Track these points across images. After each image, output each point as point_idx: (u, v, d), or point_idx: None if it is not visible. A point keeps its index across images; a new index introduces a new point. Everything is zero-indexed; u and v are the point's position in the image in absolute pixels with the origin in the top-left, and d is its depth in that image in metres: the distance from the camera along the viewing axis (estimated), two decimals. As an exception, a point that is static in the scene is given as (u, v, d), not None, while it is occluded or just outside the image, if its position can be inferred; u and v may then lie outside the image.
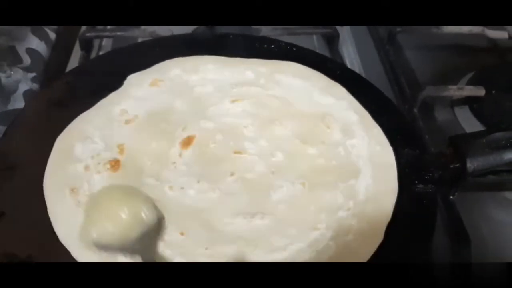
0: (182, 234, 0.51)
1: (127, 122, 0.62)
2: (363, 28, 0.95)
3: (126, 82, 0.67)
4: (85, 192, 0.54)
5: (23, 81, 0.78)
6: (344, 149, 0.60)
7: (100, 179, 0.55)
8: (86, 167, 0.56)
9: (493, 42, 0.90)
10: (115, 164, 0.57)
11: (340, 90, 0.68)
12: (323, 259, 0.50)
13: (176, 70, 0.69)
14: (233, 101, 0.65)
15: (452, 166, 0.56)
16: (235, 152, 0.59)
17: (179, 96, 0.66)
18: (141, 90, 0.66)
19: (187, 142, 0.60)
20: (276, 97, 0.66)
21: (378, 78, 0.80)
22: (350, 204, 0.55)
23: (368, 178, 0.57)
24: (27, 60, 0.81)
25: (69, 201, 0.53)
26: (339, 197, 0.55)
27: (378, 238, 0.51)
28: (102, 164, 0.57)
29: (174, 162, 0.58)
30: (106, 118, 0.62)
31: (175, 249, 0.50)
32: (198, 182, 0.56)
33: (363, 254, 0.50)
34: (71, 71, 0.74)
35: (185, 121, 0.63)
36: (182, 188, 0.55)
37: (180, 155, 0.59)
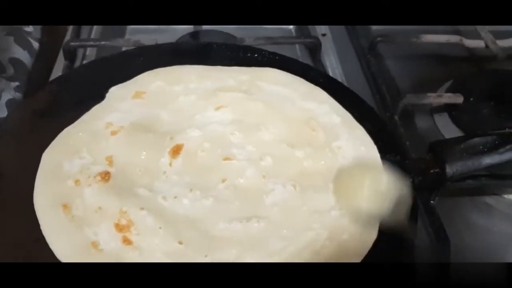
0: (180, 243, 0.51)
1: (113, 133, 0.62)
2: (345, 38, 0.97)
3: (108, 96, 0.67)
4: (78, 207, 0.53)
5: (6, 91, 0.78)
6: (330, 150, 0.61)
7: (92, 191, 0.55)
8: (76, 182, 0.56)
9: (470, 51, 0.92)
10: (105, 176, 0.56)
11: (321, 94, 0.69)
12: (321, 259, 0.50)
13: (158, 81, 0.69)
14: (217, 109, 0.65)
15: (432, 171, 0.57)
16: (224, 159, 0.59)
17: (163, 107, 0.66)
18: (124, 103, 0.66)
19: (176, 151, 0.60)
20: (259, 103, 0.66)
21: (360, 87, 0.82)
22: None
23: None
24: (10, 69, 0.81)
25: (63, 218, 0.52)
26: (330, 198, 0.56)
27: (372, 235, 0.53)
28: (92, 177, 0.56)
29: (165, 172, 0.58)
30: (91, 132, 0.62)
31: (174, 258, 0.50)
32: (191, 190, 0.56)
33: (359, 252, 0.51)
34: (54, 80, 0.74)
35: (172, 131, 0.62)
36: (175, 197, 0.55)
37: (170, 164, 0.59)
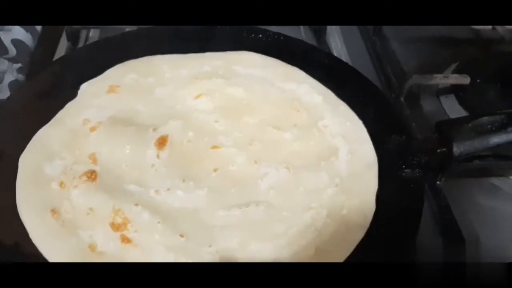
0: (181, 236, 0.50)
1: (92, 129, 0.59)
2: (350, 19, 0.96)
3: (80, 92, 0.64)
4: (67, 211, 0.51)
5: (8, 72, 0.77)
6: (318, 129, 0.62)
7: (79, 193, 0.53)
8: (61, 184, 0.53)
9: (477, 33, 0.91)
10: (91, 175, 0.54)
11: (300, 74, 0.68)
12: (325, 236, 0.50)
13: (131, 74, 0.67)
14: (197, 97, 0.64)
15: (438, 150, 0.57)
16: (213, 147, 0.58)
17: (140, 99, 0.64)
18: (99, 99, 0.64)
19: (162, 142, 0.58)
20: (239, 88, 0.65)
21: (365, 69, 0.80)
22: (336, 181, 0.56)
23: (347, 153, 0.59)
24: (12, 51, 0.80)
25: (53, 224, 0.50)
26: (324, 176, 0.56)
27: (371, 209, 0.53)
28: (77, 178, 0.54)
29: (153, 165, 0.56)
30: (68, 131, 0.59)
31: (178, 252, 0.48)
32: (184, 181, 0.55)
33: (361, 224, 0.52)
34: (57, 60, 0.74)
35: (153, 123, 0.60)
36: (168, 190, 0.54)
37: (157, 156, 0.57)
